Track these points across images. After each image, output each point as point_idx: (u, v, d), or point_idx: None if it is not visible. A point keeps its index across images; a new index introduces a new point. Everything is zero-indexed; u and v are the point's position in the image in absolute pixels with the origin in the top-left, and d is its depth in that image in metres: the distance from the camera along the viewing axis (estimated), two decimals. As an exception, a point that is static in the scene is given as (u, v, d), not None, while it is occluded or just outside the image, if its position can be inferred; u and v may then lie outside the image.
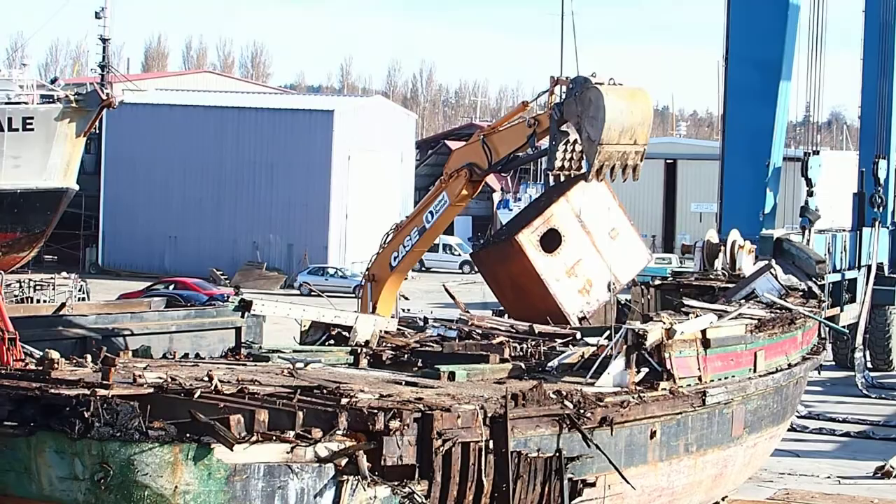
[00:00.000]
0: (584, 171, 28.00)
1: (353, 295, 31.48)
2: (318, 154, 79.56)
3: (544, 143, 28.99)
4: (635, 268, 30.00)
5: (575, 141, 27.94)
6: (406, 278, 32.08)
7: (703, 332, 24.80)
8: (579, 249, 28.68)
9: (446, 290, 32.63)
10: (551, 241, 28.55)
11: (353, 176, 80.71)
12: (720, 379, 25.13)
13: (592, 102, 26.91)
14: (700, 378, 24.50)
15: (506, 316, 29.43)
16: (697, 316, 25.56)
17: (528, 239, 28.13)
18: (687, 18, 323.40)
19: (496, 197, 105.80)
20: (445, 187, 29.95)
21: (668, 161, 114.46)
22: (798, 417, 34.86)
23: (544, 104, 29.09)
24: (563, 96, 27.70)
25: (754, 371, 26.42)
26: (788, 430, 31.48)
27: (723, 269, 34.40)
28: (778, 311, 28.97)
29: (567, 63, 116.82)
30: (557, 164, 27.97)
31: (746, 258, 34.36)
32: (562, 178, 28.98)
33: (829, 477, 31.08)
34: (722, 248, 34.84)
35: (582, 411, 21.28)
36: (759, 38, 43.11)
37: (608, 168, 27.46)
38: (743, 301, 29.54)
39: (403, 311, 31.11)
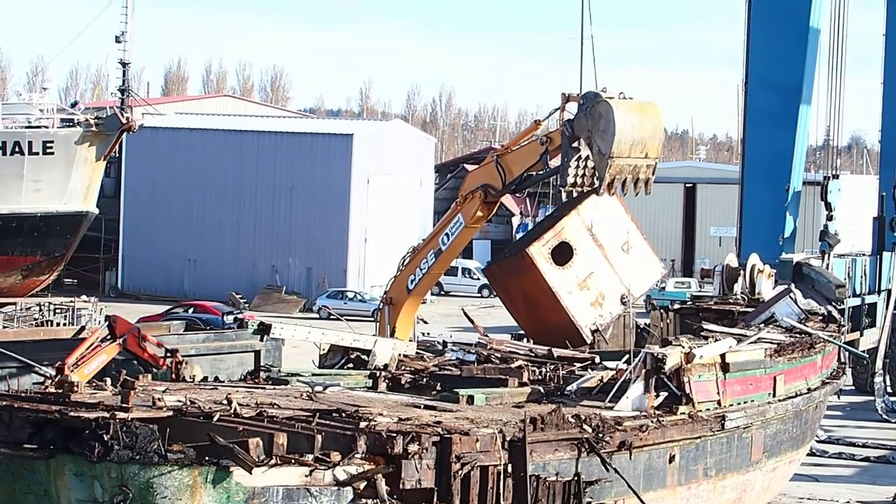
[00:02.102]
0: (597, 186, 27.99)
1: (373, 319, 31.52)
2: (337, 178, 79.66)
3: (557, 161, 28.97)
4: (649, 281, 29.87)
5: (587, 157, 27.87)
6: (424, 302, 32.11)
7: (723, 356, 24.74)
8: (591, 262, 28.59)
9: (465, 314, 32.61)
10: (563, 254, 28.45)
11: (373, 200, 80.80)
12: (739, 403, 25.06)
13: (602, 116, 26.90)
14: (719, 402, 24.44)
15: (526, 340, 29.36)
16: (717, 340, 25.52)
17: (540, 252, 28.04)
18: (707, 42, 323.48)
19: (515, 220, 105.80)
20: (461, 209, 29.95)
21: (688, 185, 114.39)
22: (817, 442, 34.74)
23: (557, 122, 29.07)
24: (575, 113, 27.70)
25: (773, 395, 26.35)
26: (808, 454, 31.38)
27: (742, 293, 34.32)
28: (797, 335, 28.89)
29: (587, 87, 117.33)
30: (570, 180, 27.87)
31: (766, 282, 34.28)
32: (574, 195, 28.93)
33: (848, 502, 30.96)
34: (741, 272, 34.76)
35: (601, 435, 21.25)
36: (780, 62, 43.07)
37: (619, 182, 27.38)
38: (762, 325, 29.46)
39: (423, 334, 31.10)
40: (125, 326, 24.99)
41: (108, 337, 24.26)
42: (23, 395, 19.42)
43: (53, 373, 21.73)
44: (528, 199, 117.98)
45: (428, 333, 32.01)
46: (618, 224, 29.16)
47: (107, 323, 25.59)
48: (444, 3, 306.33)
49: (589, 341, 28.41)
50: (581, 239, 28.49)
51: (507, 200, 72.42)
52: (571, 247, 28.39)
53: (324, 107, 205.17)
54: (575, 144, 27.76)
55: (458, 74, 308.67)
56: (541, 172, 29.30)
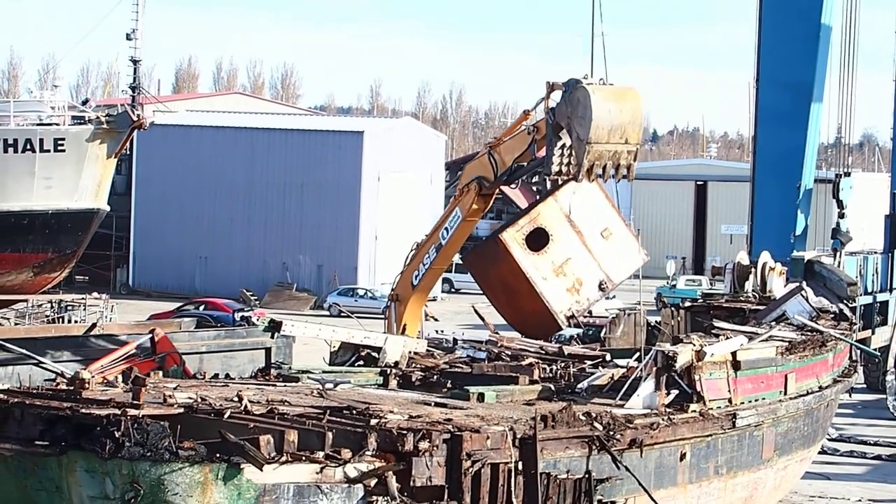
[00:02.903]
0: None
1: (383, 316, 31.46)
2: (347, 175, 79.70)
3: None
4: (629, 267, 29.37)
5: (570, 145, 27.61)
6: (434, 299, 32.06)
7: (734, 354, 24.72)
8: (568, 248, 28.15)
9: (476, 311, 32.59)
10: (538, 239, 28.07)
11: (383, 197, 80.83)
12: (750, 401, 25.03)
13: (580, 102, 26.70)
14: (730, 400, 24.42)
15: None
16: (728, 338, 25.49)
17: (513, 237, 27.69)
18: (718, 40, 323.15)
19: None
20: (458, 203, 29.88)
21: (699, 182, 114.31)
22: (829, 440, 34.70)
23: (544, 111, 28.84)
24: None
25: (785, 393, 26.32)
26: (819, 452, 31.34)
27: (753, 291, 34.30)
28: (809, 333, 28.86)
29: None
30: (554, 168, 27.56)
31: (777, 280, 34.24)
32: (559, 183, 28.72)
33: (859, 500, 30.93)
34: (753, 270, 34.73)
35: (612, 433, 21.23)
36: (791, 60, 43.00)
37: (599, 168, 27.09)
38: (773, 323, 29.42)
39: (438, 332, 31.06)
40: (166, 346, 25.08)
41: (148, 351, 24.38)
42: (34, 391, 19.46)
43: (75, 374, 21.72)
44: (538, 195, 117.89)
45: (441, 331, 32.01)
46: (598, 210, 28.67)
47: (150, 337, 25.63)
48: (454, 0, 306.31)
49: (564, 327, 28.06)
50: (557, 225, 28.05)
51: (517, 196, 72.31)
52: (547, 233, 27.95)
53: (334, 104, 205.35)
54: (560, 133, 27.56)
55: (468, 72, 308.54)
56: (531, 162, 29.00)
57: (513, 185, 29.47)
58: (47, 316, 53.61)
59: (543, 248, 27.88)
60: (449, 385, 24.44)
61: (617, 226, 28.93)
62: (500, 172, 28.95)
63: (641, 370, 23.55)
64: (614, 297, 77.18)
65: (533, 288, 27.69)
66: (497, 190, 29.68)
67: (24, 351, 25.10)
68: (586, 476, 20.62)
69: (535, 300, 27.68)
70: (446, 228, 29.97)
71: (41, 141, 60.54)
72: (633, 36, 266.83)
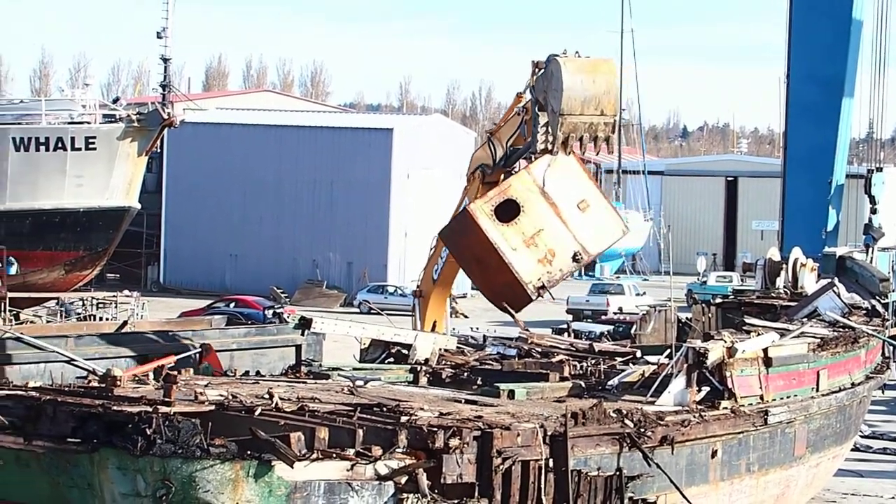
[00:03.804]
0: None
1: (413, 313, 31.42)
2: (377, 172, 79.77)
3: None
4: (606, 240, 28.73)
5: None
6: (464, 296, 31.87)
7: (765, 350, 24.63)
8: (540, 220, 27.64)
9: (506, 309, 32.49)
10: (508, 211, 27.70)
11: (412, 194, 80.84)
12: (782, 398, 24.95)
13: (553, 74, 26.63)
14: (762, 397, 24.33)
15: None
16: (759, 334, 25.40)
17: (481, 209, 27.35)
18: (748, 36, 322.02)
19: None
20: (467, 192, 29.77)
21: (730, 178, 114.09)
22: (861, 437, 34.56)
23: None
24: None
25: (817, 390, 26.21)
26: (852, 449, 31.21)
27: (785, 287, 34.19)
28: (841, 329, 28.75)
29: (626, 81, 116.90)
30: (540, 145, 27.37)
31: (809, 276, 34.13)
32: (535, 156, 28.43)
33: (893, 497, 30.79)
34: (784, 266, 34.62)
35: (642, 430, 21.17)
36: (822, 55, 42.86)
37: (575, 140, 26.95)
38: (805, 319, 29.32)
39: (472, 329, 30.94)
40: (215, 361, 25.22)
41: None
42: (66, 389, 19.53)
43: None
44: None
45: (476, 328, 31.90)
46: (575, 183, 28.19)
47: (200, 349, 25.77)
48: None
49: (534, 298, 27.76)
50: (529, 196, 27.61)
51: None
52: (518, 204, 27.61)
53: (363, 102, 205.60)
54: (541, 110, 27.40)
55: (497, 69, 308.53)
56: (525, 144, 28.79)
57: (515, 170, 29.18)
58: (79, 314, 53.79)
59: (514, 220, 27.49)
60: (479, 382, 24.42)
61: (595, 198, 28.32)
62: (498, 158, 28.83)
63: (672, 367, 23.49)
64: (644, 293, 77.17)
65: (502, 259, 27.33)
66: (500, 176, 29.41)
67: (56, 349, 25.21)
68: (617, 473, 20.57)
69: (506, 272, 27.32)
70: None
71: (72, 139, 60.76)
72: (663, 32, 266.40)
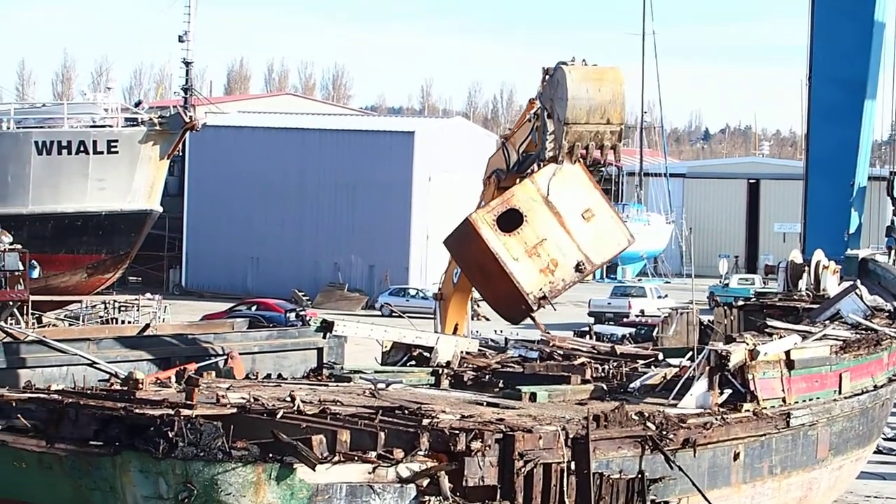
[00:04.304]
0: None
1: (434, 316, 31.40)
2: (398, 175, 79.81)
3: None
4: (611, 250, 28.50)
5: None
6: (481, 300, 31.74)
7: (788, 353, 24.57)
8: (543, 229, 27.49)
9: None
10: (511, 220, 27.63)
11: (434, 197, 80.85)
12: (805, 400, 24.89)
13: (559, 83, 26.53)
14: (784, 400, 24.28)
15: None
16: (781, 337, 25.34)
17: (483, 218, 27.24)
18: (770, 37, 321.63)
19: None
20: (483, 197, 29.71)
21: (751, 181, 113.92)
22: (884, 440, 34.46)
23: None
24: None
25: (839, 393, 26.15)
26: (874, 452, 31.13)
27: (807, 289, 34.09)
28: (863, 332, 28.66)
29: (648, 83, 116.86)
30: (548, 153, 27.29)
31: (831, 279, 34.03)
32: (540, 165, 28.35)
33: (916, 500, 30.70)
34: (806, 268, 34.52)
35: (664, 433, 21.15)
36: (844, 56, 42.73)
37: (581, 149, 26.80)
38: (828, 322, 29.24)
39: (496, 332, 30.89)
40: (238, 368, 25.28)
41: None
42: (89, 392, 19.58)
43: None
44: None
45: (500, 331, 31.85)
46: (580, 192, 28.05)
47: (225, 358, 25.85)
48: (505, 0, 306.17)
49: (535, 309, 27.65)
50: (533, 206, 27.47)
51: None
52: (521, 213, 27.52)
53: (385, 104, 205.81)
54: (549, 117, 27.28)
55: (519, 71, 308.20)
56: (537, 150, 28.69)
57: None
58: (101, 317, 53.94)
59: (516, 230, 27.42)
60: (501, 385, 24.42)
61: (600, 207, 28.14)
62: (512, 164, 28.77)
63: (694, 369, 23.45)
64: (666, 296, 77.06)
65: (503, 269, 27.25)
66: (514, 182, 29.35)
67: (78, 351, 25.27)
68: (639, 476, 20.54)
69: (507, 281, 27.24)
70: None
71: (94, 143, 60.95)
72: (684, 34, 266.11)
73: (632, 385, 24.45)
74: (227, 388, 20.49)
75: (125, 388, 19.40)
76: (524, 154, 28.19)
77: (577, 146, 26.55)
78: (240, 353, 26.57)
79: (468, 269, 28.69)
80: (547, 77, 26.97)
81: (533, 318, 31.11)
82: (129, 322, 49.75)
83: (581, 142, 26.54)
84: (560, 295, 27.69)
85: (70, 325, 49.80)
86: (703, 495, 21.65)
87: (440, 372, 25.05)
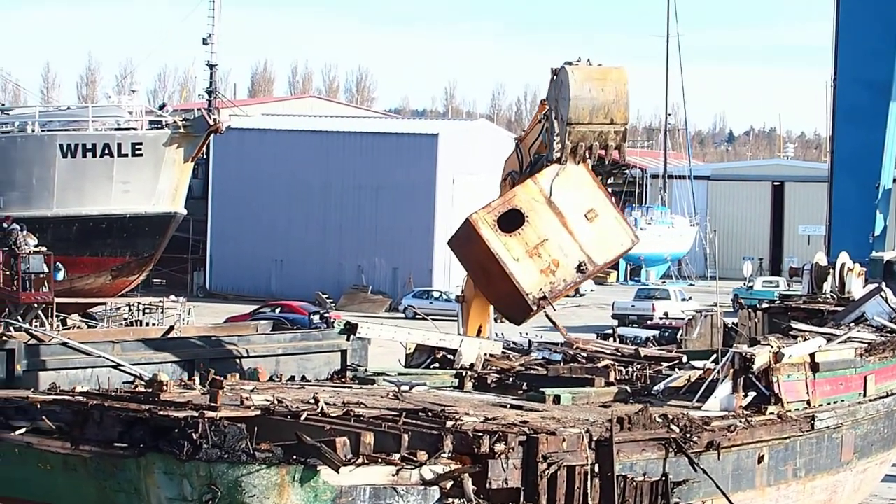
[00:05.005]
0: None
1: (458, 318, 31.36)
2: (422, 177, 79.78)
3: None
4: (614, 250, 28.30)
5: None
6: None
7: (812, 355, 24.52)
8: (545, 230, 27.30)
9: (547, 315, 32.41)
10: (512, 221, 27.51)
11: (458, 199, 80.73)
12: (829, 403, 24.83)
13: (562, 83, 26.47)
14: (809, 402, 24.23)
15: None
16: (806, 339, 25.28)
17: (483, 218, 27.13)
18: (794, 39, 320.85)
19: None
20: None
21: (776, 183, 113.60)
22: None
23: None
24: None
25: (864, 395, 26.08)
26: (899, 455, 31.01)
27: (831, 292, 34.00)
28: (888, 334, 28.56)
29: (672, 84, 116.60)
30: (556, 154, 27.22)
31: (856, 281, 33.93)
32: (543, 165, 28.24)
33: (941, 503, 30.56)
34: (831, 270, 34.43)
35: (688, 435, 21.12)
36: (868, 59, 42.69)
37: (584, 149, 26.70)
38: (852, 324, 29.16)
39: (522, 335, 30.83)
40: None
41: None
42: (113, 394, 19.63)
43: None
44: (613, 198, 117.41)
45: (526, 334, 31.80)
46: (584, 192, 27.89)
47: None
48: (528, 2, 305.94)
49: (534, 309, 27.52)
50: (535, 206, 27.31)
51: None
52: (523, 214, 27.39)
53: (409, 107, 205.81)
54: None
55: (543, 73, 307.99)
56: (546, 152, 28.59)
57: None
58: (125, 319, 54.08)
59: (517, 230, 27.29)
60: (524, 387, 24.40)
61: (604, 208, 27.93)
62: (525, 165, 28.70)
63: (718, 372, 23.41)
64: (690, 298, 76.89)
65: (503, 269, 27.13)
66: None
67: (102, 354, 25.32)
68: (663, 479, 20.53)
69: (508, 282, 27.17)
70: None
71: (119, 145, 61.08)
72: (709, 36, 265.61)
73: (656, 387, 24.42)
74: (251, 391, 20.52)
75: (150, 391, 19.46)
76: (536, 155, 28.15)
77: (580, 146, 26.49)
78: (263, 356, 26.61)
79: (471, 270, 28.66)
80: (553, 77, 26.96)
81: (553, 322, 31.08)
82: (154, 324, 49.86)
83: (584, 142, 26.50)
84: (561, 296, 27.59)
85: (95, 327, 49.93)
86: (727, 498, 21.61)
87: (464, 374, 25.04)
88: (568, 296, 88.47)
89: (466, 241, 27.53)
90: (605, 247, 27.51)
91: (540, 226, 26.99)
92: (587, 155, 26.72)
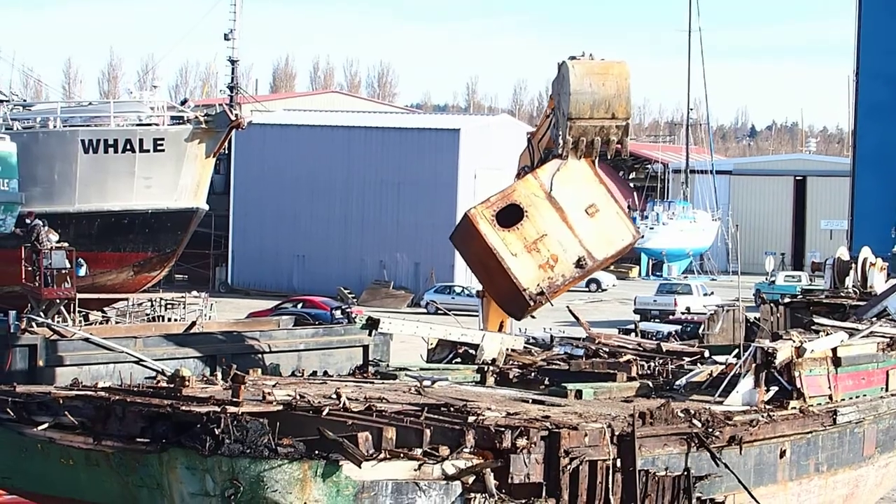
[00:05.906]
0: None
1: (479, 313, 31.38)
2: (444, 173, 79.79)
3: None
4: (615, 246, 28.12)
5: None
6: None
7: (834, 350, 24.47)
8: (544, 225, 27.18)
9: (570, 310, 32.42)
10: (511, 216, 27.40)
11: (479, 194, 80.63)
12: (851, 398, 24.79)
13: (564, 77, 26.40)
14: (831, 397, 24.19)
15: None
16: (828, 334, 25.23)
17: (482, 213, 27.05)
18: (817, 34, 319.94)
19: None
20: None
21: (798, 178, 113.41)
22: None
23: None
24: None
25: (886, 390, 26.02)
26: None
27: (854, 286, 33.91)
28: (911, 329, 28.48)
29: (695, 79, 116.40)
30: (560, 149, 27.13)
31: (878, 275, 33.85)
32: (542, 160, 28.17)
33: (964, 498, 30.45)
34: (853, 265, 34.35)
35: (710, 430, 21.10)
36: (891, 53, 42.56)
37: (585, 143, 26.59)
38: (874, 319, 29.08)
39: (545, 330, 30.80)
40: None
41: None
42: (135, 389, 19.69)
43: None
44: (635, 193, 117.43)
45: (549, 329, 31.80)
46: (585, 187, 27.75)
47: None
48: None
49: (532, 304, 27.42)
50: (534, 201, 27.22)
51: (615, 194, 71.96)
52: (522, 209, 27.29)
53: (430, 102, 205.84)
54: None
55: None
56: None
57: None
58: (147, 314, 54.15)
59: (516, 225, 27.19)
60: (546, 382, 24.41)
61: (605, 203, 27.76)
62: (536, 160, 28.66)
63: (740, 367, 23.39)
64: (712, 293, 76.78)
65: (501, 263, 27.03)
66: None
67: (125, 349, 25.43)
68: (685, 473, 20.51)
69: (506, 277, 27.11)
70: None
71: (141, 141, 61.18)
72: (731, 31, 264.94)
73: (678, 382, 24.41)
74: (273, 386, 20.55)
75: (172, 386, 19.50)
76: (545, 150, 28.13)
77: (581, 141, 26.42)
78: (286, 351, 26.69)
79: (472, 265, 28.67)
80: (557, 72, 26.93)
81: (576, 317, 31.09)
82: (176, 320, 49.93)
83: (586, 136, 26.43)
84: (561, 291, 27.51)
85: (117, 322, 50.04)
86: (750, 493, 21.58)
87: (486, 369, 25.05)
88: (588, 290, 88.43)
89: (466, 236, 27.54)
90: (606, 242, 27.44)
91: (539, 221, 26.96)
92: (588, 150, 26.66)
